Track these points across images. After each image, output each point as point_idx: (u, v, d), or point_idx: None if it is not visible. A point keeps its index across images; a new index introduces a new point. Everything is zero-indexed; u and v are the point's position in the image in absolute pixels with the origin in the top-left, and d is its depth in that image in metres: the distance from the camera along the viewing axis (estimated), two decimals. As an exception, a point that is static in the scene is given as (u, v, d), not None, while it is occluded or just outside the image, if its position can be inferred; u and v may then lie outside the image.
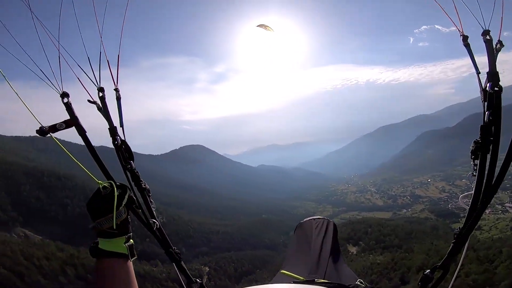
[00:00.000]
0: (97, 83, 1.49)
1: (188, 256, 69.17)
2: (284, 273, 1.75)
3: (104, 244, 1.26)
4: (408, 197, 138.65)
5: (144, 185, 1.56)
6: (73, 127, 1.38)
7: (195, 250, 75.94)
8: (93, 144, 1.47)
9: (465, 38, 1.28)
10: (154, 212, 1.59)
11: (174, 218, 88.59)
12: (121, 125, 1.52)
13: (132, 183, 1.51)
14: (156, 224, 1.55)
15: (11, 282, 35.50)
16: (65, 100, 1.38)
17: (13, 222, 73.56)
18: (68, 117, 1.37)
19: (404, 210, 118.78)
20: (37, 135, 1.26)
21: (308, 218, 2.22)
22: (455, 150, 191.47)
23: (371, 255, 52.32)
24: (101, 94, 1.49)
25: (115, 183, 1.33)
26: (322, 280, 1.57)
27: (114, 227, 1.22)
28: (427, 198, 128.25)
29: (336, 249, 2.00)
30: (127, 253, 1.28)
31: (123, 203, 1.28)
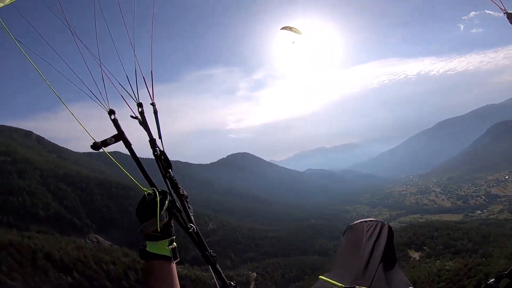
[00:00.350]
0: (136, 99, 1.67)
1: (237, 262, 69.93)
2: (322, 279, 1.64)
3: (151, 247, 1.40)
4: (483, 197, 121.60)
5: (182, 191, 1.67)
6: (121, 141, 1.54)
7: (244, 255, 76.49)
8: (140, 156, 1.64)
9: (510, 16, 1.22)
10: (192, 217, 1.68)
11: (224, 224, 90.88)
12: (160, 137, 1.66)
13: (171, 190, 1.63)
14: (193, 228, 1.65)
15: (82, 287, 39.44)
16: (112, 116, 1.56)
17: (87, 228, 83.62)
18: (116, 132, 1.53)
19: (478, 212, 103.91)
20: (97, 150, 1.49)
21: (360, 220, 2.00)
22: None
23: (438, 261, 46.35)
24: (140, 109, 1.66)
25: (157, 189, 1.46)
26: None
27: (158, 229, 1.34)
28: (506, 198, 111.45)
29: (390, 255, 1.77)
30: (170, 256, 1.41)
31: (164, 207, 1.41)
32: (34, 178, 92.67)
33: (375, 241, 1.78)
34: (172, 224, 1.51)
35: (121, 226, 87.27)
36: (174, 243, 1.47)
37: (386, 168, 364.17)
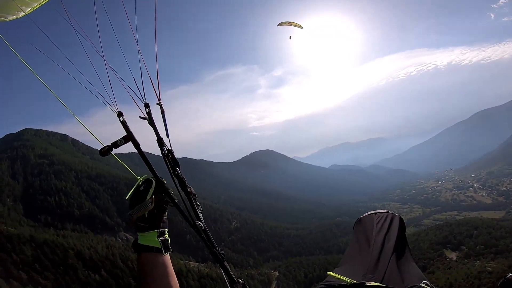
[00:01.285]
0: (143, 100, 1.74)
1: (260, 260, 69.18)
2: (331, 275, 1.61)
3: (141, 239, 1.39)
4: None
5: (190, 189, 1.70)
6: (130, 141, 1.60)
7: (266, 254, 75.74)
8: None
9: None
10: (200, 214, 1.71)
11: (247, 222, 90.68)
12: (167, 135, 1.73)
13: (179, 188, 1.69)
14: (201, 226, 1.66)
15: (108, 284, 40.62)
16: (121, 118, 1.63)
17: (118, 227, 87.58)
18: (125, 134, 1.60)
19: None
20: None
21: (369, 212, 2.00)
22: None
23: (477, 262, 42.19)
24: (147, 110, 1.74)
25: (153, 179, 1.49)
26: (374, 284, 1.39)
27: (133, 216, 1.35)
28: None
29: (402, 246, 1.76)
30: (160, 247, 1.37)
31: (148, 195, 1.40)
32: (69, 179, 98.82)
33: (386, 233, 1.75)
34: (165, 217, 1.48)
35: None
36: (166, 235, 1.45)
37: (418, 163, 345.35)
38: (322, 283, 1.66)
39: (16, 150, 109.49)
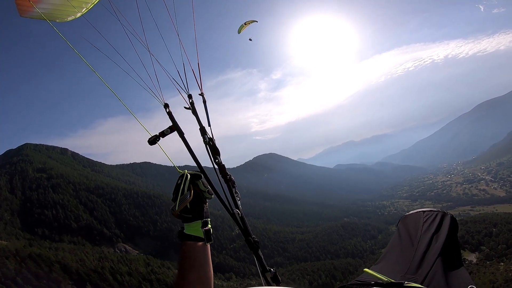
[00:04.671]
0: (187, 91, 1.90)
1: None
2: (367, 272, 1.54)
3: (186, 229, 1.48)
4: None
5: (230, 176, 1.78)
6: (176, 131, 1.72)
7: (270, 260, 71.86)
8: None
9: None
10: (238, 202, 1.79)
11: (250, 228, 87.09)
12: (209, 124, 1.83)
13: (219, 175, 1.78)
14: (239, 214, 1.74)
15: None
16: (167, 109, 1.75)
17: (116, 238, 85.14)
18: (171, 124, 1.73)
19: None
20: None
21: (416, 210, 1.84)
22: None
23: (501, 264, 37.76)
24: (190, 100, 1.87)
25: (193, 173, 1.55)
26: (414, 285, 1.31)
27: (176, 208, 1.42)
28: None
29: (451, 248, 1.62)
30: (203, 237, 1.47)
31: (185, 188, 1.47)
32: (67, 191, 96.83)
33: (434, 233, 1.60)
34: (206, 207, 1.55)
35: (147, 235, 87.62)
36: (209, 225, 1.52)
37: (425, 157, 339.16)
38: (356, 279, 1.59)
39: (15, 165, 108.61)
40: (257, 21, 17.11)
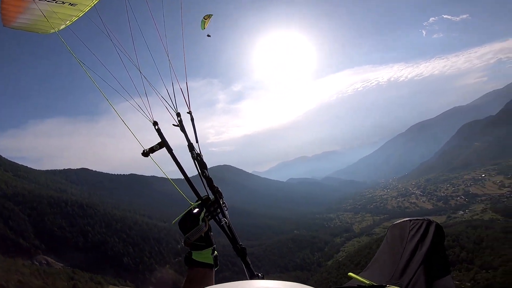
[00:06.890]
0: (175, 110, 2.04)
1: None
2: (351, 276, 1.63)
3: (196, 255, 1.62)
4: (462, 197, 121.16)
5: (217, 188, 1.94)
6: (164, 147, 1.84)
7: (218, 275, 67.78)
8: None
9: None
10: (226, 212, 1.93)
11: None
12: (196, 140, 1.98)
13: (207, 188, 1.92)
14: (226, 223, 1.89)
15: None
16: (156, 127, 1.88)
17: (35, 249, 73.01)
18: (160, 140, 1.85)
19: (461, 212, 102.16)
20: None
21: (404, 219, 1.94)
22: (506, 139, 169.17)
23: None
24: (179, 118, 2.00)
25: (201, 199, 1.78)
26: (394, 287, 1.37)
27: (192, 238, 1.57)
28: (485, 196, 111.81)
29: (436, 255, 1.65)
30: (213, 263, 1.65)
31: (201, 218, 1.64)
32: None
33: (419, 241, 1.65)
34: (211, 233, 1.72)
35: (76, 246, 77.44)
36: (216, 252, 1.70)
37: (367, 173, 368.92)
38: (342, 286, 1.63)
39: None
40: (212, 15, 17.11)
